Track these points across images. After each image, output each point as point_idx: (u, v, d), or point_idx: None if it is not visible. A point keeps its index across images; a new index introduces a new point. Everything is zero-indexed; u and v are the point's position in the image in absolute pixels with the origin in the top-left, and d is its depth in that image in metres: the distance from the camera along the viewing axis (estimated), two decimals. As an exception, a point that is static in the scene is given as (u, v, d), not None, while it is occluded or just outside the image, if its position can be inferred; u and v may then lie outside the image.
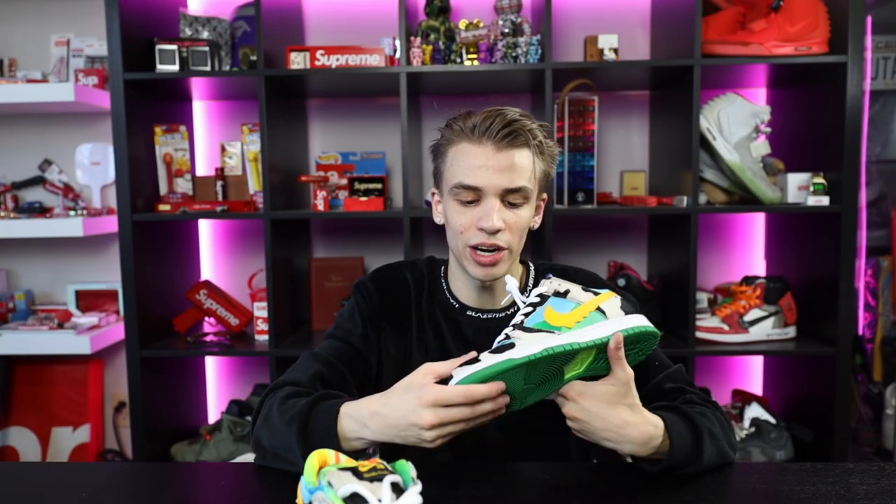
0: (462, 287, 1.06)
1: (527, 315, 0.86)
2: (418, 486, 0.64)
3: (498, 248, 0.97)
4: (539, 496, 0.81)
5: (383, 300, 1.08)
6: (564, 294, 0.87)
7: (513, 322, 0.86)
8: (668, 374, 1.00)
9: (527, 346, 0.79)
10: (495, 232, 0.95)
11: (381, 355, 1.07)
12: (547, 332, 0.81)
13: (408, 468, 0.66)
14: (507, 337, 0.83)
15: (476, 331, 1.05)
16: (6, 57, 2.20)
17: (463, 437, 1.02)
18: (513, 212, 0.97)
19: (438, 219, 1.06)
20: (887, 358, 2.14)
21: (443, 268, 1.11)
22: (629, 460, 0.89)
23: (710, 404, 0.95)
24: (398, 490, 0.63)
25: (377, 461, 0.66)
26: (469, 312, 1.06)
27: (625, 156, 2.19)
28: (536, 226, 1.05)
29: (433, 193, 1.08)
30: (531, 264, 1.11)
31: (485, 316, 1.06)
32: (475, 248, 0.97)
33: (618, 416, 0.82)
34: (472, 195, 0.97)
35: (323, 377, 0.98)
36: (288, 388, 0.94)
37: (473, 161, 0.96)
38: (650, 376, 0.99)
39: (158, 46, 1.82)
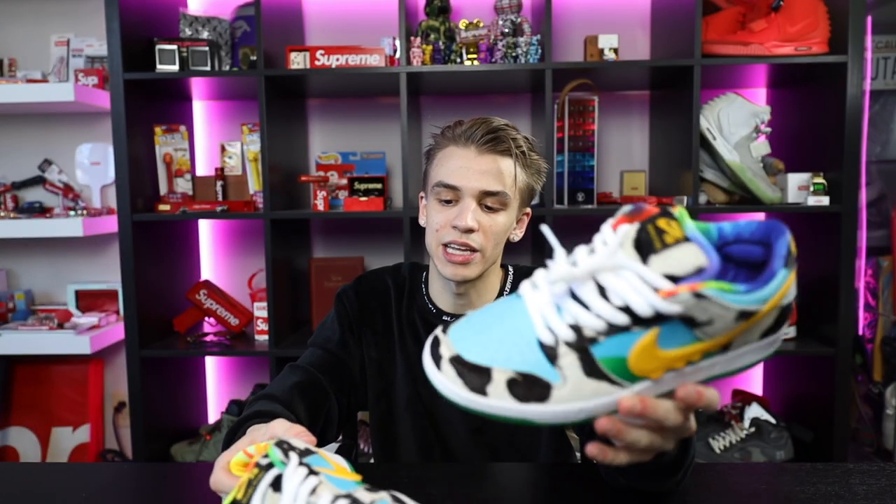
0: (439, 292, 1.07)
1: (609, 329, 0.50)
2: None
3: (469, 249, 0.97)
4: (538, 497, 0.81)
5: (363, 307, 1.09)
6: (703, 324, 0.49)
7: (574, 324, 0.51)
8: None
9: (569, 405, 0.51)
10: (468, 231, 0.96)
11: (364, 360, 1.09)
12: (610, 382, 0.51)
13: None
14: (551, 356, 0.51)
15: None
16: (6, 57, 2.20)
17: (428, 435, 1.05)
18: (489, 216, 0.99)
19: (422, 220, 1.08)
20: (887, 358, 2.14)
21: (424, 273, 1.12)
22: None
23: None
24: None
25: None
26: (445, 318, 1.07)
27: (625, 156, 2.19)
28: (517, 239, 1.06)
29: (421, 197, 1.10)
30: (511, 268, 1.12)
31: None
32: (447, 245, 0.98)
33: None
34: (451, 194, 0.98)
35: (301, 387, 0.99)
36: (260, 402, 0.94)
37: (456, 162, 0.98)
38: None
39: (158, 46, 1.81)
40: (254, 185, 2.00)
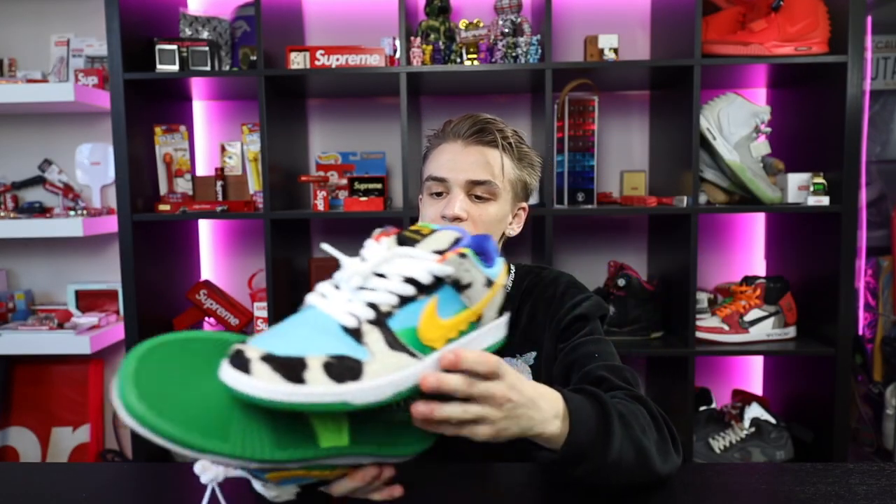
0: None
1: (401, 301, 0.58)
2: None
3: None
4: (538, 497, 0.81)
5: None
6: (466, 287, 0.61)
7: (371, 302, 0.57)
8: (606, 365, 0.90)
9: (381, 379, 0.54)
10: (456, 220, 0.98)
11: None
12: (410, 354, 0.57)
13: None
14: (357, 336, 0.55)
15: None
16: (6, 57, 2.20)
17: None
18: (478, 206, 1.01)
19: (421, 220, 1.11)
20: (887, 358, 2.14)
21: None
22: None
23: (637, 399, 0.83)
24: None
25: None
26: None
27: (625, 156, 2.19)
28: (513, 233, 1.08)
29: (420, 198, 1.12)
30: (512, 266, 1.12)
31: None
32: None
33: (530, 390, 0.67)
34: (440, 186, 1.01)
35: None
36: None
37: (445, 156, 1.02)
38: (585, 363, 0.93)
39: (158, 46, 1.82)
40: (254, 185, 2.00)
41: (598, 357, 0.94)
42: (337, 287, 0.60)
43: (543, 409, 0.68)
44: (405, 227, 0.66)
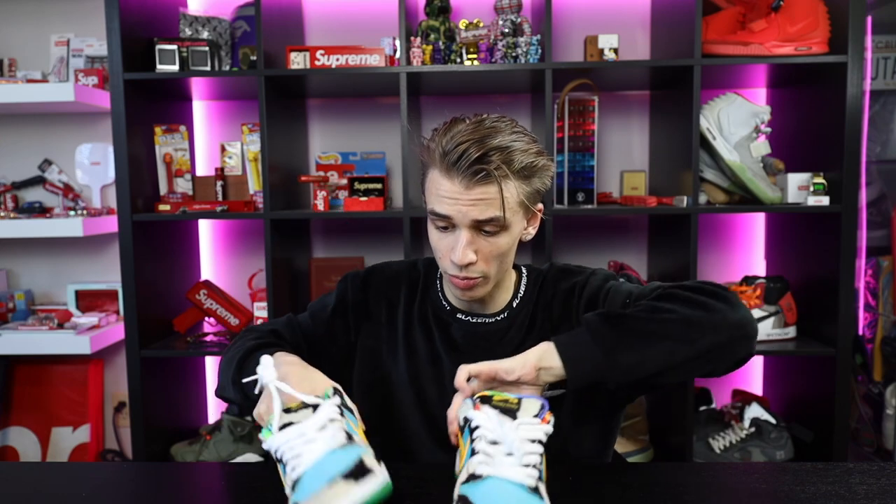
0: (452, 293, 1.07)
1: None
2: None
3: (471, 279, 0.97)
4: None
5: (366, 296, 1.11)
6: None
7: (533, 464, 0.76)
8: (641, 293, 0.99)
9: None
10: (466, 265, 0.95)
11: (357, 345, 1.10)
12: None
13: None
14: (538, 492, 0.73)
15: (465, 335, 1.05)
16: (6, 57, 2.20)
17: (422, 428, 1.05)
18: (488, 240, 0.95)
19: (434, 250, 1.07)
20: (887, 358, 2.14)
21: (439, 270, 1.10)
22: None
23: (668, 291, 0.94)
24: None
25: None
26: (459, 315, 1.06)
27: (625, 156, 2.19)
28: (530, 237, 1.03)
29: (427, 206, 1.07)
30: (524, 269, 1.10)
31: (475, 320, 1.06)
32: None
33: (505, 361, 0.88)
34: (445, 222, 0.95)
35: (279, 335, 1.07)
36: (251, 334, 1.06)
37: (444, 193, 0.94)
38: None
39: (158, 46, 1.82)
40: (254, 185, 2.00)
41: (628, 303, 0.98)
42: (509, 454, 0.74)
43: (511, 361, 0.87)
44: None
